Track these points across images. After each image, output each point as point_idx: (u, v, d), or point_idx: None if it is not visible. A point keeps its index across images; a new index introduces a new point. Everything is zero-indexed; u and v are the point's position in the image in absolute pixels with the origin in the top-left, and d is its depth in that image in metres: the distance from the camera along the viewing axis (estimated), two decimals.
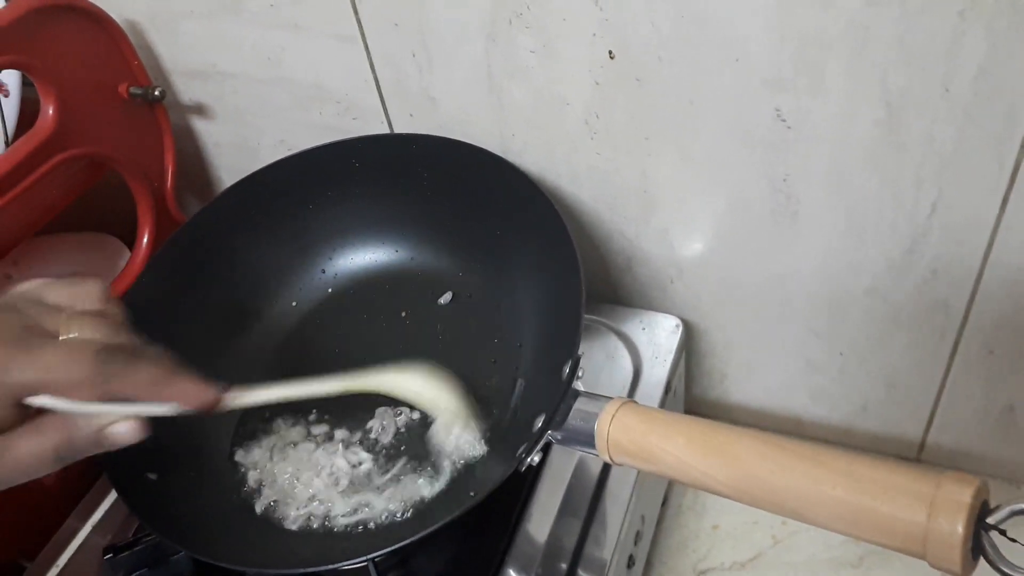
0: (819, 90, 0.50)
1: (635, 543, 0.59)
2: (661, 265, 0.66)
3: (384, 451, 0.55)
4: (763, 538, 0.69)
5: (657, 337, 0.64)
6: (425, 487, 0.53)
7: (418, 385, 0.52)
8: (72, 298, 0.42)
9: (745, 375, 0.72)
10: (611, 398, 0.45)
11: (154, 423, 0.55)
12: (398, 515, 0.52)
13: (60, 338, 0.39)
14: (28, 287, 0.42)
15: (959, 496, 0.33)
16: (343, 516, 0.52)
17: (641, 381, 0.61)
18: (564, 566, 0.52)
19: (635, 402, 0.45)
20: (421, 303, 0.63)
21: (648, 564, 0.67)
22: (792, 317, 0.65)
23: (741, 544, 0.69)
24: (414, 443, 0.56)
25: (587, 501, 0.55)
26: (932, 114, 0.48)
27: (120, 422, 0.40)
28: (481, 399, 0.57)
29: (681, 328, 0.65)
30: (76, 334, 0.39)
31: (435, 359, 0.58)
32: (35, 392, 0.37)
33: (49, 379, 0.37)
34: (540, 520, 0.54)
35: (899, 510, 0.35)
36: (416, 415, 0.57)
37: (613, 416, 0.44)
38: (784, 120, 0.53)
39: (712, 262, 0.64)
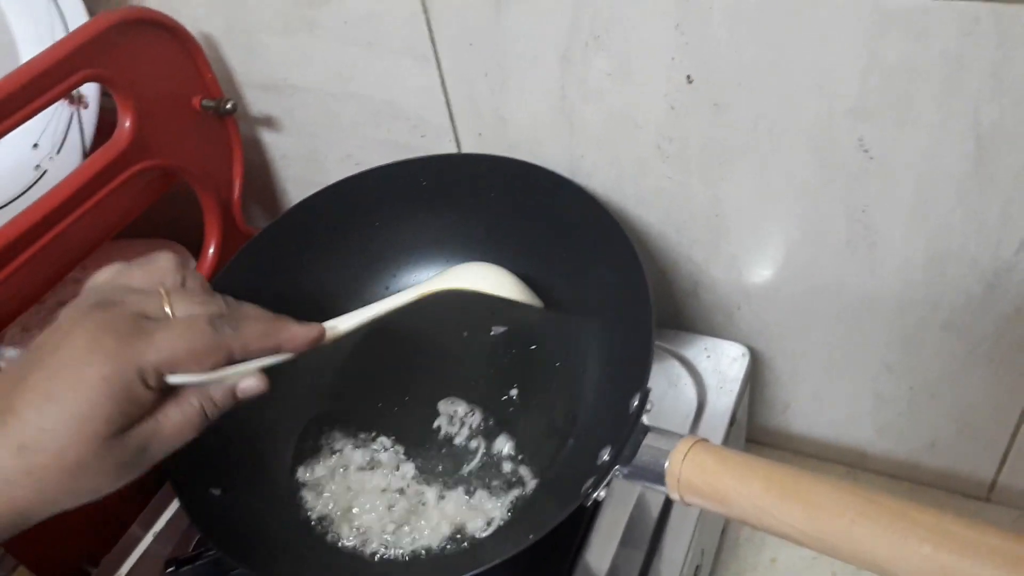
0: (905, 121, 0.48)
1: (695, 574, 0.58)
2: (728, 291, 0.64)
3: (443, 479, 0.55)
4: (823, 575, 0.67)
5: (722, 365, 0.63)
6: (483, 518, 0.52)
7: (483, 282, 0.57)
8: (153, 276, 0.44)
9: (810, 406, 0.70)
10: (683, 436, 0.44)
11: (217, 439, 0.56)
12: (454, 545, 0.51)
13: (171, 318, 0.42)
14: (104, 276, 0.45)
15: None
16: (398, 543, 0.52)
17: (706, 411, 0.60)
18: None
19: (707, 441, 0.44)
20: (483, 324, 0.63)
21: None
22: (863, 349, 0.63)
23: None
24: (474, 471, 0.55)
25: (649, 533, 0.54)
26: None
27: (247, 378, 0.44)
28: (540, 426, 0.57)
29: (748, 357, 0.63)
30: (183, 311, 0.42)
31: (495, 385, 0.59)
32: (167, 371, 0.41)
33: (176, 358, 0.41)
34: (601, 552, 0.53)
35: (993, 572, 0.33)
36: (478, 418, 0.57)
37: (686, 455, 0.43)
38: (867, 150, 0.51)
39: (782, 290, 0.62)
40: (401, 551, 0.52)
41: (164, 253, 0.46)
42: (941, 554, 0.35)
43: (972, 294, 0.55)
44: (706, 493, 0.42)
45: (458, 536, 0.52)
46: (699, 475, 0.42)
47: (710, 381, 0.62)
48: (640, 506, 0.56)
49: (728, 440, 0.59)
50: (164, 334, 0.41)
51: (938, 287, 0.56)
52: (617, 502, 0.56)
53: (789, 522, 0.38)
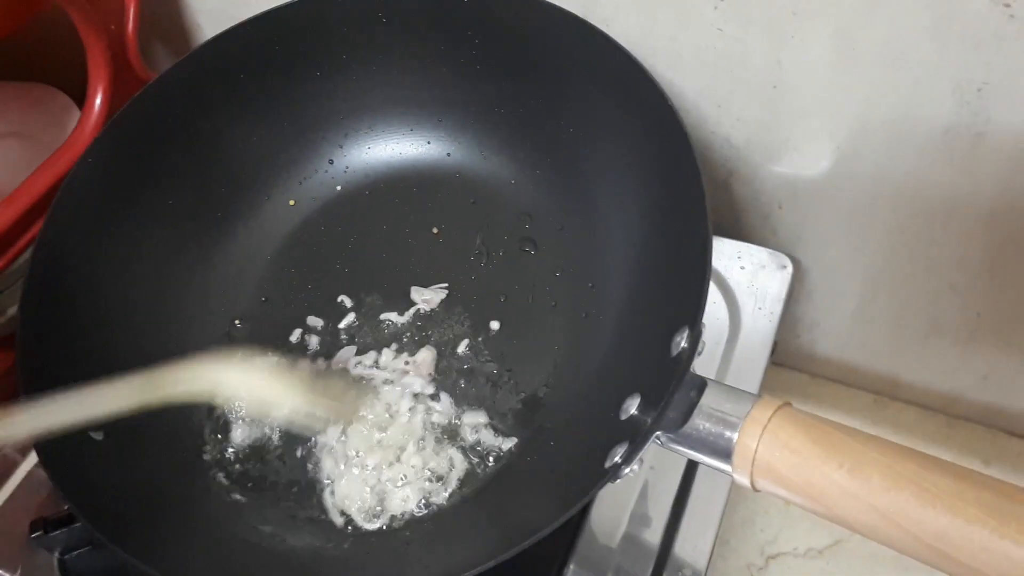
0: None
1: None
2: (771, 185, 0.51)
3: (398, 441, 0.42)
4: None
5: (760, 279, 0.50)
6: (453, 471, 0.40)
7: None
8: None
9: (844, 326, 0.59)
10: (759, 397, 0.31)
11: (101, 359, 0.42)
12: (422, 510, 0.39)
13: None
14: None
15: None
16: (363, 511, 0.39)
17: (740, 337, 0.48)
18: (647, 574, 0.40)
19: (792, 406, 0.31)
20: (458, 217, 0.48)
21: None
22: (929, 265, 0.51)
23: (818, 527, 0.58)
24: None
25: (675, 487, 0.43)
26: None
27: None
28: (532, 357, 0.44)
29: (791, 270, 0.51)
30: None
31: (474, 296, 0.45)
32: None
33: None
34: (613, 514, 0.42)
35: None
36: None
37: (765, 427, 0.30)
38: (1008, 5, 0.37)
39: (840, 187, 0.49)
40: (360, 524, 0.39)
41: None
42: None
43: None
44: (793, 483, 0.30)
45: (418, 504, 0.40)
46: (784, 457, 0.30)
47: (745, 299, 0.49)
48: (661, 456, 0.43)
49: (767, 374, 0.47)
50: None
51: None
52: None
53: (931, 541, 0.26)
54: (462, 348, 0.44)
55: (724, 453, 0.31)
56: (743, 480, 0.31)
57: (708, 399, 0.32)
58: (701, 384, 0.33)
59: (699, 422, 0.32)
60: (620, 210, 0.43)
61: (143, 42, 0.58)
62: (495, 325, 0.45)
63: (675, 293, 0.36)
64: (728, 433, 0.31)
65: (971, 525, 0.26)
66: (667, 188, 0.39)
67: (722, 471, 0.32)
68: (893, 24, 0.40)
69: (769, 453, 0.30)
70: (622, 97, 0.42)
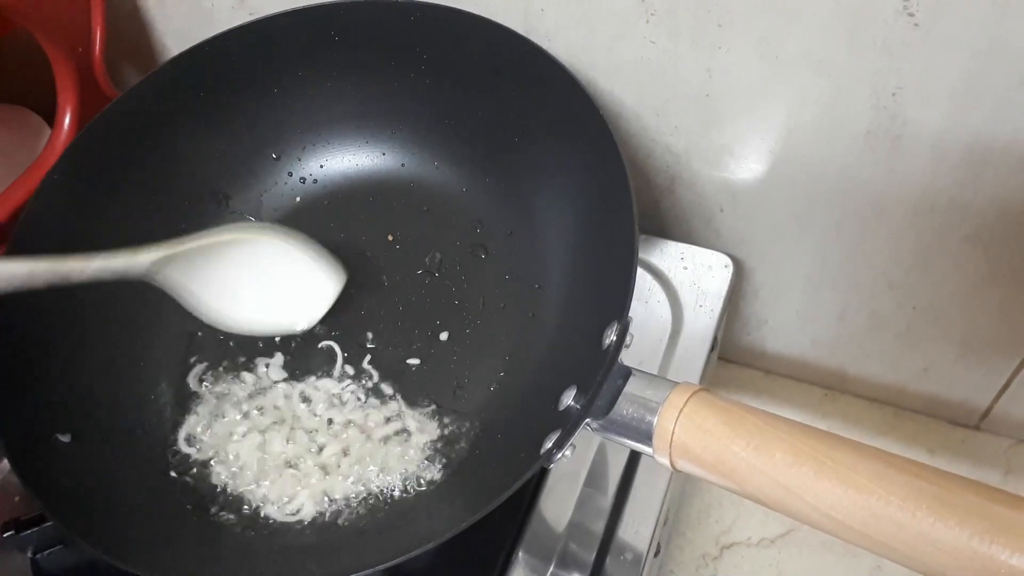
0: None
1: (664, 523, 0.49)
2: (712, 189, 0.53)
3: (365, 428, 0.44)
4: None
5: (702, 279, 0.52)
6: (407, 478, 0.42)
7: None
8: None
9: (792, 324, 0.61)
10: (677, 383, 0.34)
11: (70, 362, 0.43)
12: (371, 508, 0.41)
13: None
14: None
15: None
16: (300, 506, 0.41)
17: (682, 333, 0.50)
18: (591, 558, 0.42)
19: (709, 391, 0.33)
20: (412, 224, 0.50)
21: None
22: (865, 262, 0.53)
23: (771, 518, 0.60)
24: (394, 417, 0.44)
25: (618, 475, 0.45)
26: None
27: None
28: (481, 357, 0.46)
29: (731, 268, 0.53)
30: None
31: (427, 299, 0.47)
32: None
33: None
34: (559, 501, 0.44)
35: None
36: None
37: (681, 410, 0.32)
38: (912, 15, 0.40)
39: (777, 190, 0.51)
40: (303, 515, 0.41)
41: None
42: None
43: (1010, 201, 0.45)
44: (707, 461, 0.32)
45: (367, 499, 0.42)
46: (699, 438, 0.32)
47: (687, 298, 0.51)
48: (606, 444, 0.46)
49: (707, 367, 0.50)
50: None
51: (969, 192, 0.46)
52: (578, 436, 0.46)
53: (826, 511, 0.29)
54: (415, 350, 0.47)
55: (646, 436, 0.33)
56: (663, 460, 0.33)
57: (632, 387, 0.34)
58: (627, 373, 0.35)
59: (623, 408, 0.34)
60: (561, 215, 0.45)
61: (113, 62, 0.60)
62: (448, 327, 0.47)
63: (606, 291, 0.38)
64: (649, 417, 0.33)
65: (861, 494, 0.28)
66: (601, 195, 0.42)
67: (645, 453, 0.34)
68: (811, 33, 0.42)
69: (685, 434, 0.32)
70: (560, 110, 0.44)
